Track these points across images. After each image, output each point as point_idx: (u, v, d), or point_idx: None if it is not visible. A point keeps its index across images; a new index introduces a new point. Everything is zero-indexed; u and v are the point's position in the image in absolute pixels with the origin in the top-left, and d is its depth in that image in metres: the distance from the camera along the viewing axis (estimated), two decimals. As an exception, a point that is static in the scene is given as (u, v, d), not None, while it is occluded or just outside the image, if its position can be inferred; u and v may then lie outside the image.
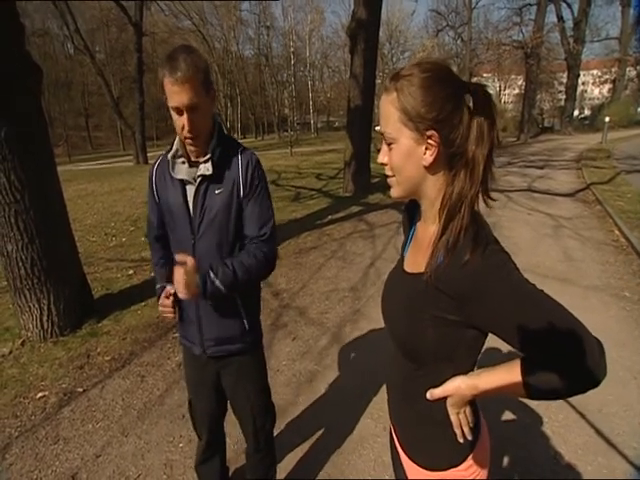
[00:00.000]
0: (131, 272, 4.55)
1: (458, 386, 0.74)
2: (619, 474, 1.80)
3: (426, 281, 0.73)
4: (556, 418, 2.13)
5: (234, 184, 1.26)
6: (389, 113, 0.73)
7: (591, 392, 2.05)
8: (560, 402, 2.21)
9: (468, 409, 0.79)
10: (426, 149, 0.72)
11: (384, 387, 2.44)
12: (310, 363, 2.78)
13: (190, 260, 1.14)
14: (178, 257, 1.15)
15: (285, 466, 1.93)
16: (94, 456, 2.04)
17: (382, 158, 0.78)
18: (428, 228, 0.81)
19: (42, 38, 25.92)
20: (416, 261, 0.81)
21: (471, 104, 0.71)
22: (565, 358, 0.63)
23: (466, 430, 0.78)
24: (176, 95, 1.10)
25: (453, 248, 0.69)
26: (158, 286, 1.42)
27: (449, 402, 0.77)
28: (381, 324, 3.17)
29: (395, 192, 0.80)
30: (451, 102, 0.70)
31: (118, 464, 1.99)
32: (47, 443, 2.15)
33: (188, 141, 1.18)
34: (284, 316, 3.48)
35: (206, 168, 1.22)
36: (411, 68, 0.71)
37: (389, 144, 0.76)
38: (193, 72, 1.09)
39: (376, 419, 2.22)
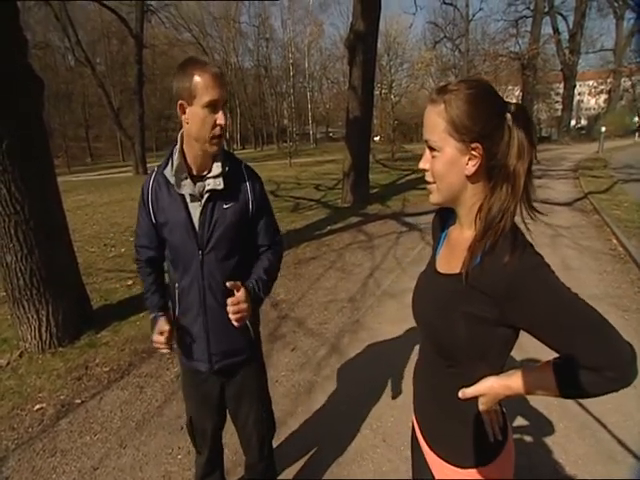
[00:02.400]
0: (130, 283, 4.55)
1: (491, 386, 0.77)
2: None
3: (463, 280, 0.76)
4: (556, 427, 2.13)
5: (244, 201, 1.27)
6: (436, 123, 0.76)
7: (590, 401, 2.02)
8: (560, 412, 2.20)
9: (498, 409, 0.82)
10: (469, 160, 0.76)
11: (383, 398, 2.45)
12: (309, 374, 2.77)
13: (241, 286, 1.19)
14: (229, 284, 1.16)
15: (284, 477, 1.91)
16: (92, 468, 2.03)
17: (424, 164, 0.82)
18: (464, 232, 0.84)
19: (43, 50, 26.15)
20: (449, 263, 0.85)
21: (511, 123, 0.75)
22: (598, 360, 0.66)
23: (496, 429, 0.81)
24: (215, 89, 1.12)
25: (492, 251, 0.73)
26: (152, 316, 1.38)
27: (481, 401, 0.79)
28: (380, 335, 3.19)
29: (435, 198, 0.84)
30: (494, 119, 0.74)
31: (116, 476, 1.97)
32: (44, 456, 2.13)
33: (215, 140, 1.17)
34: (283, 327, 3.48)
35: (216, 183, 1.21)
36: (458, 84, 0.76)
37: (432, 152, 0.79)
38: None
39: (375, 430, 2.21)
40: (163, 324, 1.30)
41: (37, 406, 2.51)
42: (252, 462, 1.56)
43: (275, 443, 1.72)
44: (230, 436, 1.64)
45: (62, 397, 2.60)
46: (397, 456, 2.01)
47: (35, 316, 3.07)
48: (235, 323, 1.18)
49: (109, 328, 3.48)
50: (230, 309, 1.16)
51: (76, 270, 3.55)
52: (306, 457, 2.05)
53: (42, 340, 3.11)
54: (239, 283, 1.18)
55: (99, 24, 29.45)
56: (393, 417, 2.28)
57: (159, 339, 1.27)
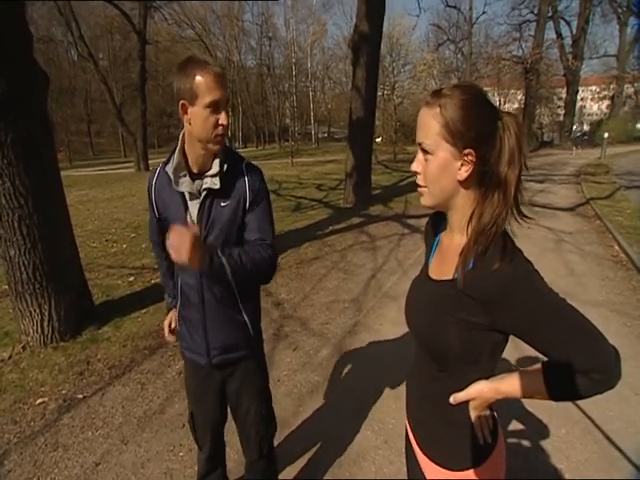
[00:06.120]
0: (132, 279, 4.55)
1: (481, 389, 0.79)
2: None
3: (454, 286, 0.77)
4: (558, 433, 2.13)
5: (240, 198, 1.26)
6: (430, 126, 0.76)
7: (593, 408, 2.04)
8: (562, 417, 2.21)
9: (488, 413, 0.83)
10: (462, 165, 0.76)
11: (385, 399, 2.45)
12: (311, 374, 2.77)
13: (195, 227, 1.14)
14: (189, 220, 1.22)
15: (284, 476, 1.91)
16: (94, 464, 2.03)
17: (416, 167, 0.82)
18: (454, 238, 0.85)
19: (46, 45, 26.12)
20: (441, 268, 0.85)
21: (502, 130, 0.76)
22: (585, 363, 0.69)
23: (486, 433, 0.83)
24: (217, 90, 1.12)
25: (482, 257, 0.73)
26: (168, 300, 1.53)
27: (472, 404, 0.81)
28: (383, 336, 3.19)
29: (426, 201, 0.83)
30: (487, 125, 0.75)
31: (118, 472, 1.98)
32: (46, 450, 2.13)
33: (217, 139, 1.17)
34: (285, 326, 3.48)
35: (213, 182, 1.21)
36: (453, 89, 0.76)
37: (425, 155, 0.79)
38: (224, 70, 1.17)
39: (377, 431, 2.21)
40: (172, 320, 1.47)
41: (39, 400, 2.51)
42: (251, 460, 1.56)
43: (276, 442, 1.72)
44: (232, 434, 1.63)
45: (64, 392, 2.60)
46: (399, 458, 2.01)
47: (37, 310, 3.06)
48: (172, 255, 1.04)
49: (110, 324, 3.48)
50: (170, 236, 1.03)
51: (78, 265, 3.55)
52: (307, 456, 2.05)
53: (44, 334, 3.10)
54: (196, 227, 1.16)
55: (102, 19, 29.34)
56: (395, 419, 2.28)
57: (165, 331, 1.48)
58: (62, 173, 3.41)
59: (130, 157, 24.49)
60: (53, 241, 3.12)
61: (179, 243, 1.02)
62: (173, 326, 1.47)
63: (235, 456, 1.99)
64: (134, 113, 22.77)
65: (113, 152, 39.72)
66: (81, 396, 2.56)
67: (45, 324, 3.10)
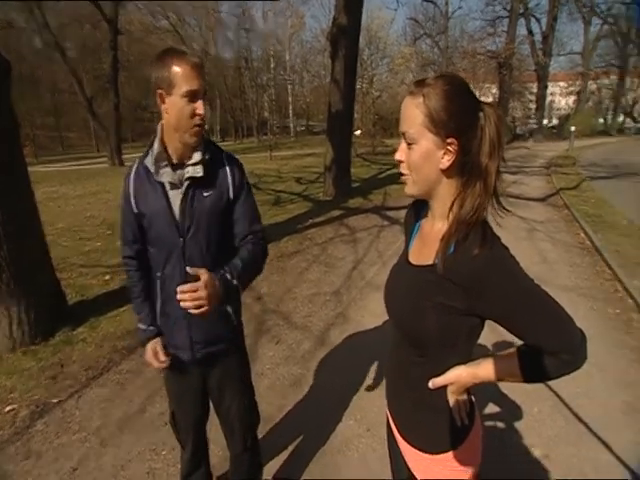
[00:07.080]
0: (107, 277, 4.42)
1: (459, 374, 0.81)
2: (588, 461, 1.89)
3: (434, 271, 0.78)
4: (531, 412, 2.22)
5: (223, 188, 1.27)
6: (414, 115, 0.77)
7: (562, 386, 2.13)
8: (534, 396, 2.30)
9: (466, 397, 0.86)
10: (444, 154, 0.77)
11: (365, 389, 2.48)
12: (294, 367, 2.78)
13: (204, 273, 1.06)
14: (189, 270, 1.07)
15: (269, 469, 1.92)
16: (71, 469, 1.97)
17: (400, 156, 0.82)
18: (435, 224, 0.86)
19: (5, 30, 24.51)
20: (421, 254, 0.87)
21: (484, 122, 0.77)
22: (555, 346, 0.73)
23: (463, 415, 0.86)
24: (194, 79, 1.12)
25: (463, 243, 0.75)
26: (143, 327, 1.36)
27: (450, 389, 0.84)
28: (364, 327, 3.23)
29: (410, 189, 0.85)
30: (469, 116, 0.77)
31: (96, 477, 1.93)
32: (17, 460, 2.04)
33: (196, 129, 1.17)
34: (267, 320, 3.46)
35: (195, 170, 1.20)
36: (436, 79, 0.77)
37: (409, 144, 0.80)
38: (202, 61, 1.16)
39: (359, 420, 2.25)
40: (158, 348, 1.33)
41: (8, 407, 2.40)
42: (236, 453, 1.56)
43: (260, 435, 1.72)
44: (216, 432, 1.63)
45: (36, 397, 2.50)
46: (381, 445, 2.02)
47: (5, 313, 2.93)
48: (193, 311, 1.05)
49: (86, 324, 3.38)
50: (184, 296, 1.03)
51: (49, 264, 3.42)
52: (291, 448, 2.06)
53: (13, 338, 2.97)
54: (202, 270, 1.07)
55: (70, 7, 28.02)
56: (377, 407, 2.32)
57: (162, 357, 1.32)
58: (29, 169, 3.26)
59: (103, 152, 23.64)
60: (21, 240, 2.98)
61: (197, 300, 1.04)
62: (162, 357, 1.32)
63: (220, 452, 1.97)
64: (106, 106, 21.88)
65: (85, 147, 38.23)
66: (55, 400, 2.47)
67: (14, 328, 2.97)
